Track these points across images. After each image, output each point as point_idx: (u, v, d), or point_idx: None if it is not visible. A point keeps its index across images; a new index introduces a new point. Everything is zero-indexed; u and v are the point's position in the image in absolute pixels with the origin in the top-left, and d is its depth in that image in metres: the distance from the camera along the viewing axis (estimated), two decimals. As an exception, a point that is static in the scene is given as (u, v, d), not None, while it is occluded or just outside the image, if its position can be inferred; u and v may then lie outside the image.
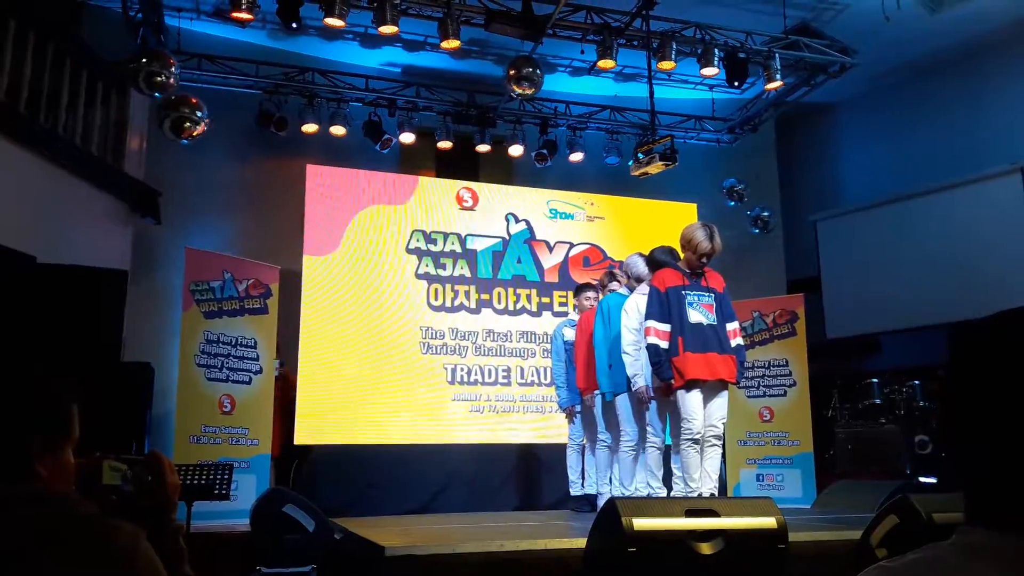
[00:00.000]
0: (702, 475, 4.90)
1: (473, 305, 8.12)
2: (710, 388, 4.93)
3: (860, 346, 9.07)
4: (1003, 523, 0.93)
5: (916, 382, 7.34)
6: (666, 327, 4.91)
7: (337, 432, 7.34)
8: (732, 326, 5.06)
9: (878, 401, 7.56)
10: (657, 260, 5.41)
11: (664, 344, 4.89)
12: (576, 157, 9.01)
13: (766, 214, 9.37)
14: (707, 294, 5.00)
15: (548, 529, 5.04)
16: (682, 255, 5.14)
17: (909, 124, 9.09)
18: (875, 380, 7.69)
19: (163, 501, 1.59)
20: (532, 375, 8.07)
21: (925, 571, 0.94)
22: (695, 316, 4.92)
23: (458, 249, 8.19)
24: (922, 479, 6.85)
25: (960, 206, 8.29)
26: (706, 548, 3.33)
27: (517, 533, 4.80)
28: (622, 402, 5.53)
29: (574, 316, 6.46)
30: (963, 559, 0.93)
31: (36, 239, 5.87)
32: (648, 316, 4.98)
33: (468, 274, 8.16)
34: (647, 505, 3.56)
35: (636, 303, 5.38)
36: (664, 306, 4.93)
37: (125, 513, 1.49)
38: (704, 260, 5.01)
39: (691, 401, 4.87)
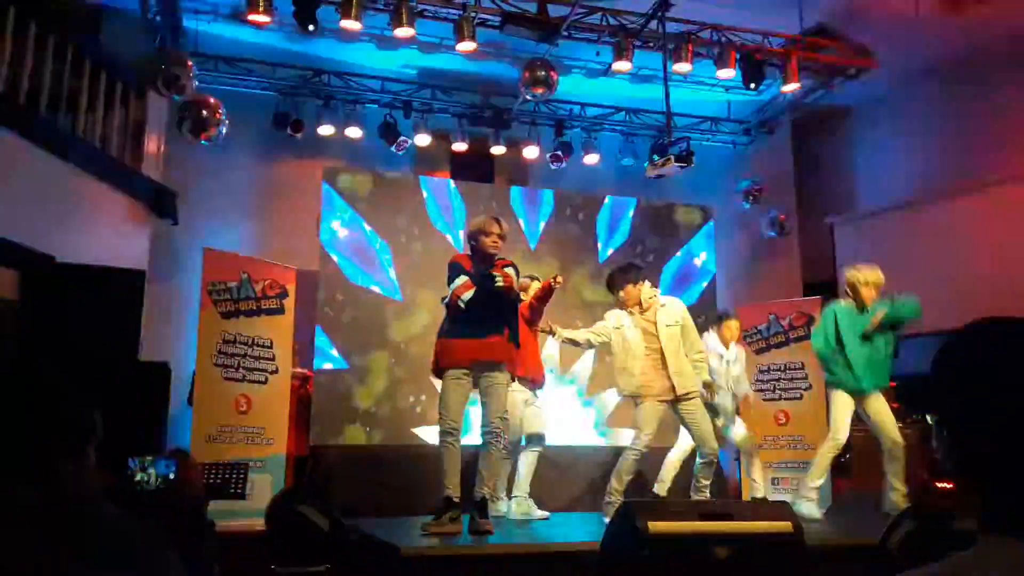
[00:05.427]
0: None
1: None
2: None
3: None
4: (1022, 530, 0.93)
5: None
6: None
7: (352, 432, 7.36)
8: None
9: (895, 405, 7.49)
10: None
11: None
12: (591, 159, 8.99)
13: (782, 216, 9.32)
14: None
15: (562, 530, 5.04)
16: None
17: (928, 127, 9.01)
18: (892, 384, 7.60)
19: (186, 496, 1.61)
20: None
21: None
22: None
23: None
24: (939, 484, 6.79)
25: (979, 211, 8.22)
26: (722, 551, 3.32)
27: (531, 534, 4.80)
28: None
29: None
30: (985, 568, 0.92)
31: (54, 239, 5.93)
32: None
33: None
34: (663, 508, 3.56)
35: None
36: None
37: (149, 511, 1.51)
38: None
39: None
